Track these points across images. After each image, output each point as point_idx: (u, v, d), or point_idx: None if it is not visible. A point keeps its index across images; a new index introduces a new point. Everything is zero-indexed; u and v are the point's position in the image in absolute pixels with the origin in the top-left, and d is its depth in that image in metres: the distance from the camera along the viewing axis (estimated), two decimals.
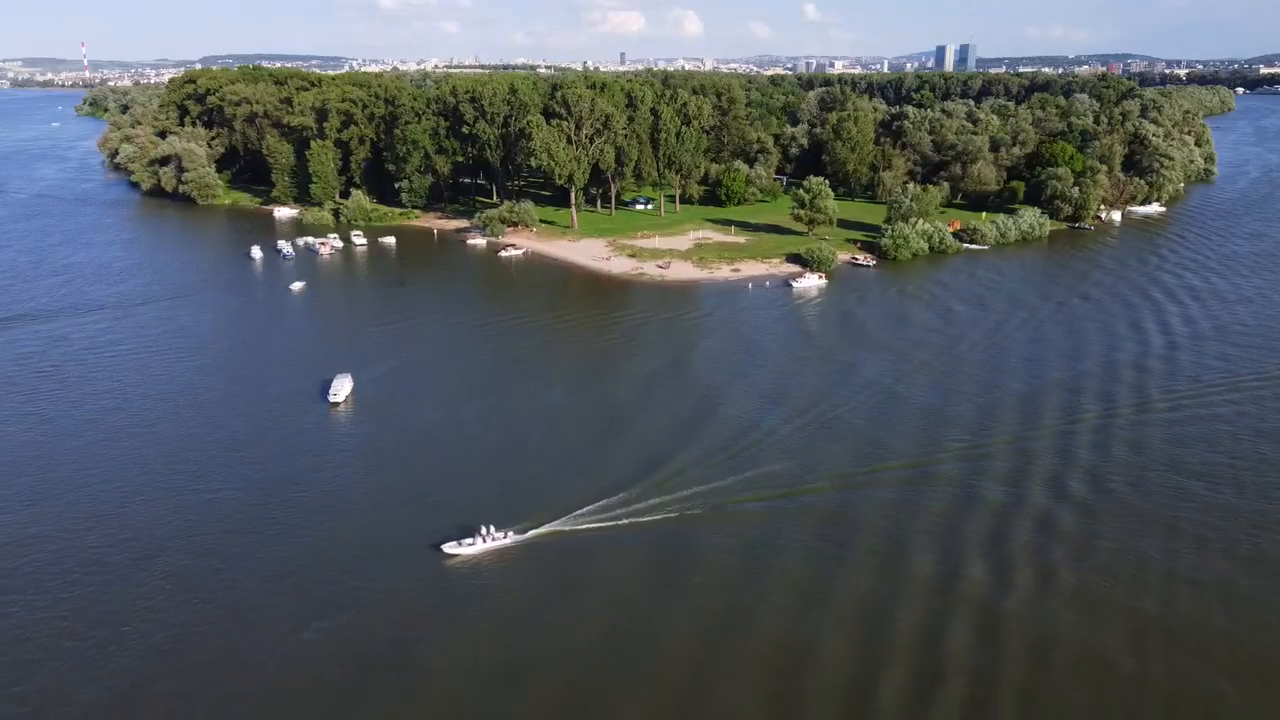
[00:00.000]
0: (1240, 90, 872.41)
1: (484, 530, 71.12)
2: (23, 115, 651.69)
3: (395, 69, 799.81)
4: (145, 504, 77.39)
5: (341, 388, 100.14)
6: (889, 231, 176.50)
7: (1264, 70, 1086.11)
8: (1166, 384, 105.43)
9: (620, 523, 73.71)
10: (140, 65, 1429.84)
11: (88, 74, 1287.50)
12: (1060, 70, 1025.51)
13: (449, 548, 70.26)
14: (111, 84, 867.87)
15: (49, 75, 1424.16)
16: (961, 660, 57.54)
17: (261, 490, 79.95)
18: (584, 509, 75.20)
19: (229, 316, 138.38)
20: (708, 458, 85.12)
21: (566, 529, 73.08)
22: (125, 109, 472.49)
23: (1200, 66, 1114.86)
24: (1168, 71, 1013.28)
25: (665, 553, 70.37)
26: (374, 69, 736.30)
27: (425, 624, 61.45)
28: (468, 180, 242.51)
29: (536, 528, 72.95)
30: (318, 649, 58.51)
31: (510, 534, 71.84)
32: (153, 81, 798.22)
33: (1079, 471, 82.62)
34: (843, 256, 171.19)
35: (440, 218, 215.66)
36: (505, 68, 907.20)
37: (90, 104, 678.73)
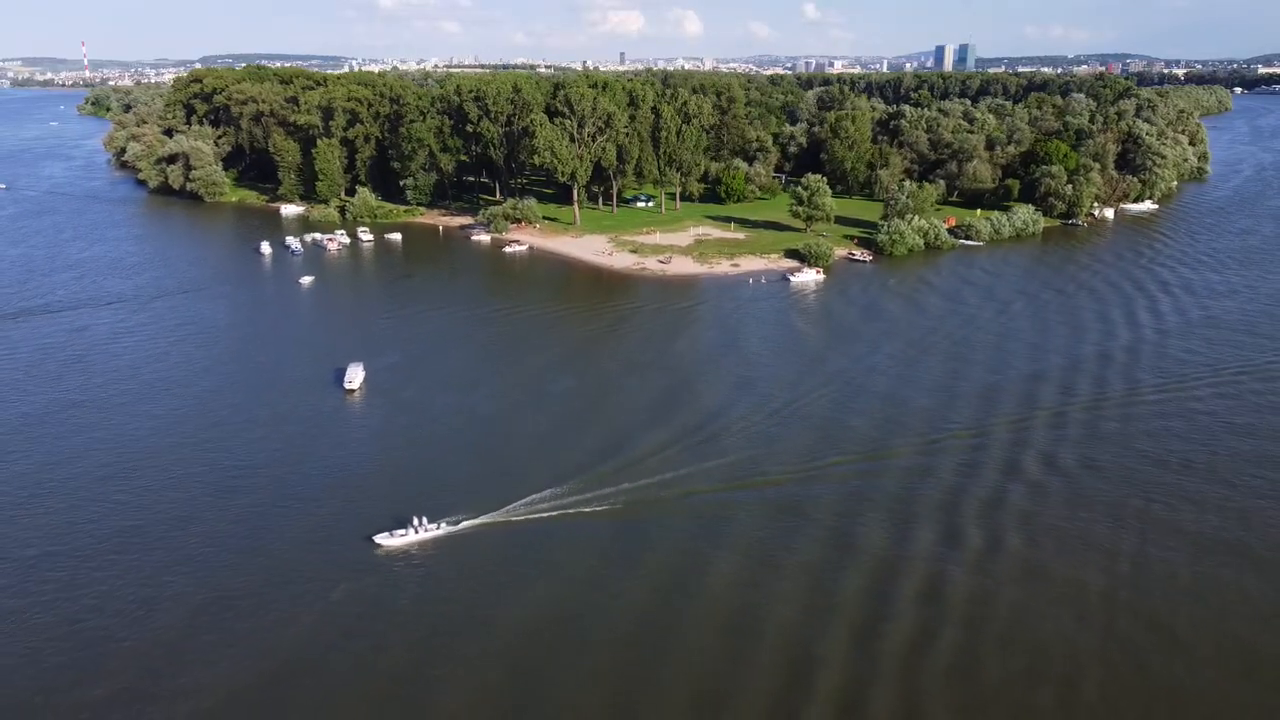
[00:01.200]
0: (1238, 90, 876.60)
1: (416, 521, 71.83)
2: (26, 115, 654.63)
3: (395, 69, 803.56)
4: (179, 480, 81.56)
5: (355, 376, 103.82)
6: (885, 228, 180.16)
7: (1262, 70, 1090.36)
8: (1144, 371, 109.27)
9: (567, 513, 74.76)
10: (140, 65, 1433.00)
11: (88, 74, 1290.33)
12: (1059, 70, 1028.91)
13: (380, 538, 70.93)
14: (112, 83, 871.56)
15: (49, 75, 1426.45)
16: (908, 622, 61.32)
17: (285, 465, 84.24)
18: (529, 499, 76.45)
19: (242, 309, 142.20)
20: (672, 445, 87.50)
21: (500, 520, 73.92)
22: (128, 108, 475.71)
23: (1199, 66, 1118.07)
24: (1166, 71, 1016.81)
25: (602, 545, 70.84)
26: (374, 69, 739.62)
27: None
28: (471, 178, 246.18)
29: (471, 519, 73.70)
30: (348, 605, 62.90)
31: (443, 525, 72.53)
32: (153, 81, 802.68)
33: (1065, 446, 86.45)
34: (840, 252, 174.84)
35: (444, 215, 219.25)
36: (505, 67, 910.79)
37: (92, 103, 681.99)
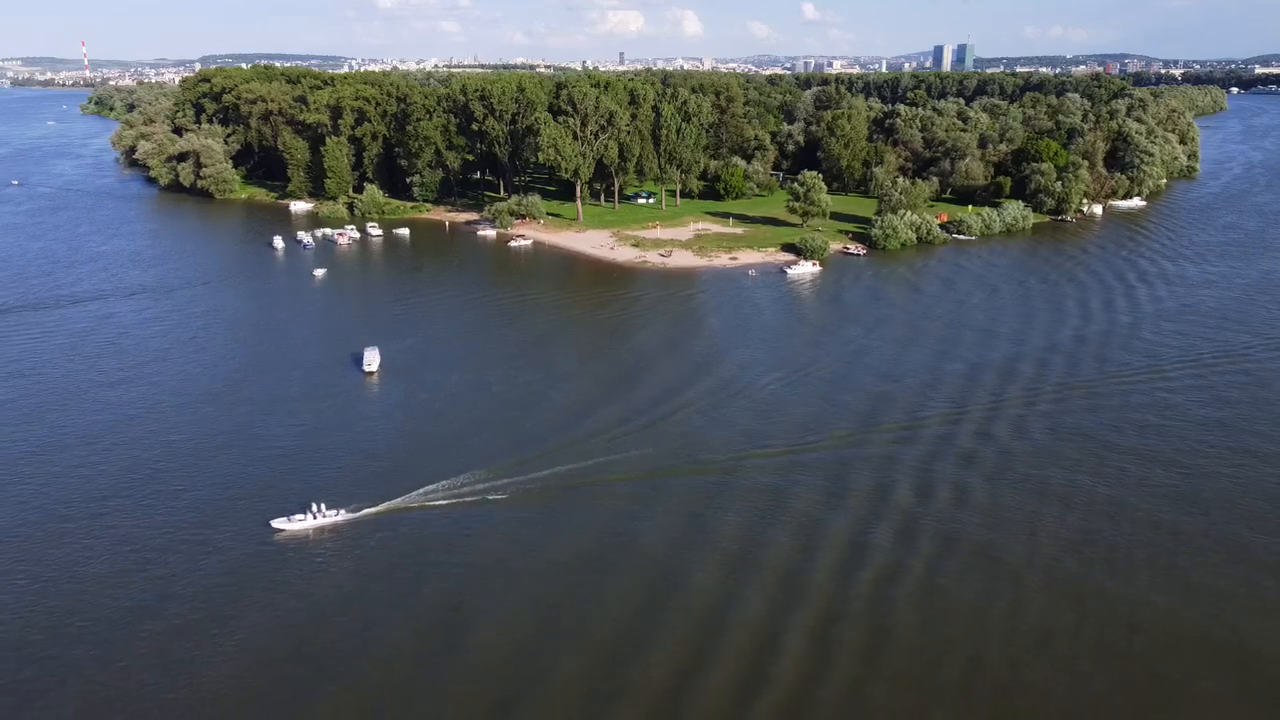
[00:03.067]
0: (1235, 90, 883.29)
1: (315, 507, 73.31)
2: (31, 114, 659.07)
3: (395, 69, 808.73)
4: (219, 449, 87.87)
5: (373, 359, 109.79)
6: (879, 223, 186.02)
7: (1259, 70, 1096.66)
8: (1118, 351, 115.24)
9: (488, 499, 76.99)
10: (140, 65, 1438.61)
11: (88, 73, 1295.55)
12: (1057, 71, 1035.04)
13: (278, 523, 72.37)
14: (113, 83, 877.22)
15: (49, 74, 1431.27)
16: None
17: (316, 436, 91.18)
18: (444, 483, 79.05)
19: (260, 299, 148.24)
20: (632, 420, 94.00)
21: (400, 506, 75.60)
22: (131, 107, 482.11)
23: (1198, 66, 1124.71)
24: (1163, 71, 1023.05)
25: (512, 533, 72.48)
26: (373, 69, 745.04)
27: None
28: (476, 176, 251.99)
29: (372, 506, 75.47)
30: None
31: (343, 512, 74.05)
32: (153, 81, 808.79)
33: (1034, 419, 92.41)
34: (835, 246, 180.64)
35: (450, 211, 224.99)
36: (504, 67, 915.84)
37: (96, 103, 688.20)
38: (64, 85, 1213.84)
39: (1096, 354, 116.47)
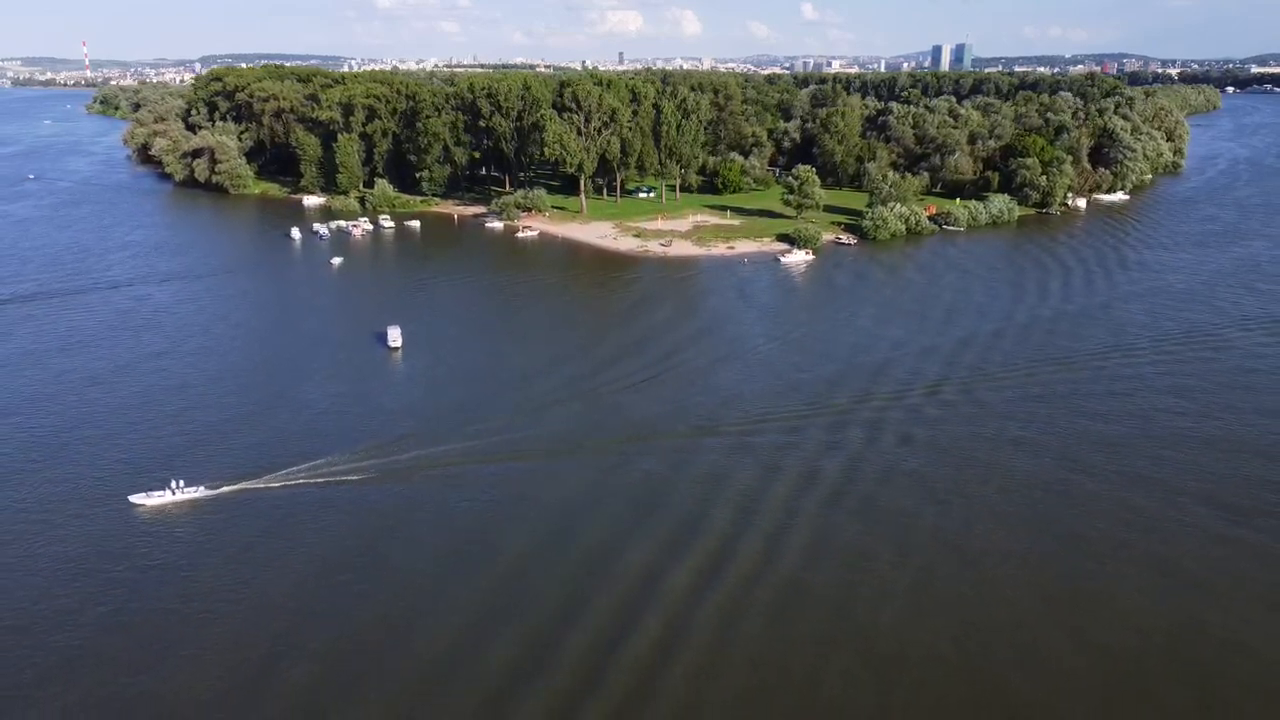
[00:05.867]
0: (1231, 89, 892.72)
1: (173, 483, 74.99)
2: (35, 113, 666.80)
3: (395, 68, 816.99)
4: (269, 412, 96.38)
5: (395, 336, 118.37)
6: (869, 215, 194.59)
7: (1256, 70, 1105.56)
8: (1082, 333, 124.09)
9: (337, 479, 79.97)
10: (139, 64, 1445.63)
11: (88, 73, 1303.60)
12: (1055, 70, 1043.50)
13: (135, 498, 74.38)
14: (114, 83, 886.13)
15: (49, 74, 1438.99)
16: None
17: (352, 399, 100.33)
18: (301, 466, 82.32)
19: (283, 284, 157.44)
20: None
21: (260, 486, 78.17)
22: (137, 107, 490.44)
23: (1196, 66, 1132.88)
24: (1160, 71, 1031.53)
25: (370, 513, 75.03)
26: (373, 69, 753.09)
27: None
28: (483, 171, 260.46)
29: (231, 484, 77.58)
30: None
31: (202, 488, 75.83)
32: (153, 80, 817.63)
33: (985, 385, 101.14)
34: (827, 237, 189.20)
35: (459, 204, 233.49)
36: (504, 67, 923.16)
37: (101, 102, 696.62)
38: (65, 85, 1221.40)
39: (1071, 331, 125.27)
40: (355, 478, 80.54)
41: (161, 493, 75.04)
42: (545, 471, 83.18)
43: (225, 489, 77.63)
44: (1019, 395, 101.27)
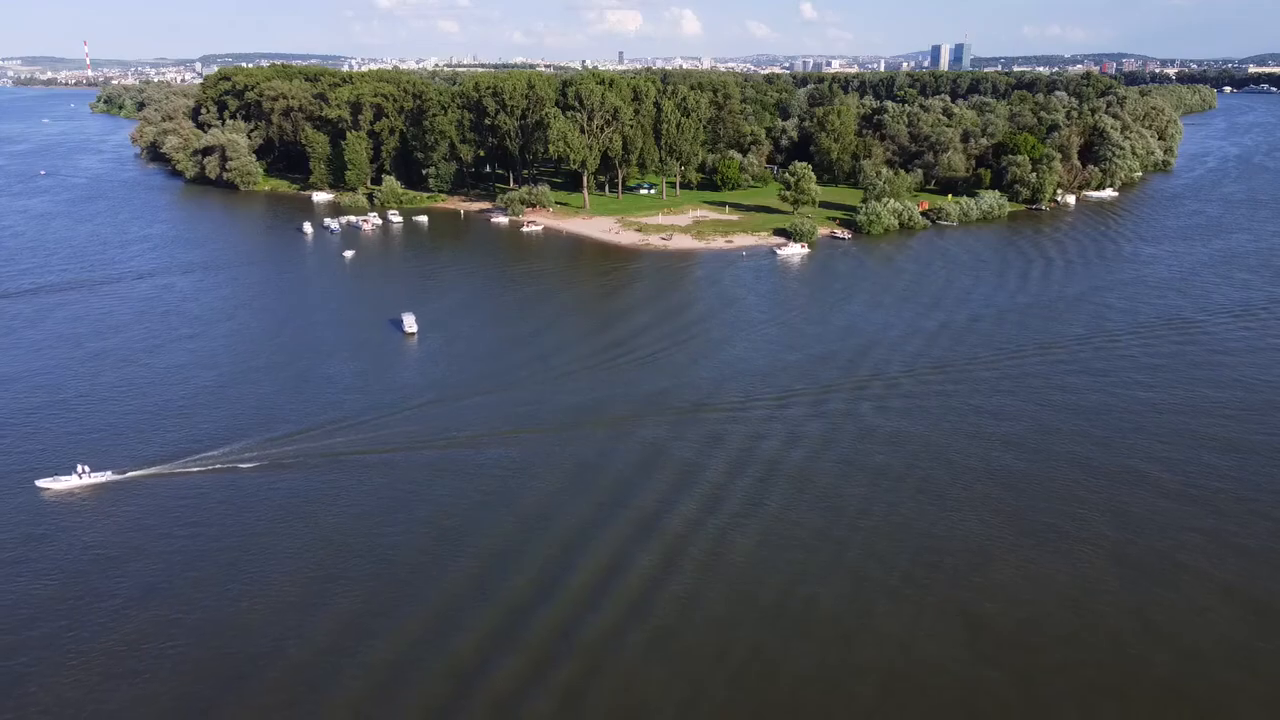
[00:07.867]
0: (1228, 89, 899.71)
1: (79, 469, 76.45)
2: (40, 112, 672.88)
3: (395, 68, 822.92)
4: (304, 385, 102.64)
5: (411, 322, 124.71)
6: (864, 210, 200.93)
7: (1253, 70, 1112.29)
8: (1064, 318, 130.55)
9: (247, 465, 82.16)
10: (140, 64, 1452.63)
11: (90, 73, 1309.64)
12: (1053, 70, 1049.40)
13: (42, 482, 75.83)
14: (115, 82, 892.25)
15: (50, 74, 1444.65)
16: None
17: (375, 378, 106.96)
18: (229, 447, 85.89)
19: (298, 275, 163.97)
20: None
21: (167, 472, 79.84)
22: (141, 106, 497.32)
23: (1194, 66, 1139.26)
24: (1158, 71, 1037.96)
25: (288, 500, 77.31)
26: (373, 68, 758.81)
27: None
28: (488, 168, 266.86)
29: (138, 469, 78.94)
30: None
31: (109, 473, 77.17)
32: (154, 80, 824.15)
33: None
34: (823, 231, 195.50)
35: (464, 200, 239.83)
36: (504, 67, 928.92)
37: (105, 101, 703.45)
38: (66, 84, 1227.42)
39: (1048, 316, 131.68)
40: (394, 447, 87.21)
41: (68, 477, 76.33)
42: (560, 441, 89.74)
43: (132, 474, 79.61)
44: (996, 375, 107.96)
